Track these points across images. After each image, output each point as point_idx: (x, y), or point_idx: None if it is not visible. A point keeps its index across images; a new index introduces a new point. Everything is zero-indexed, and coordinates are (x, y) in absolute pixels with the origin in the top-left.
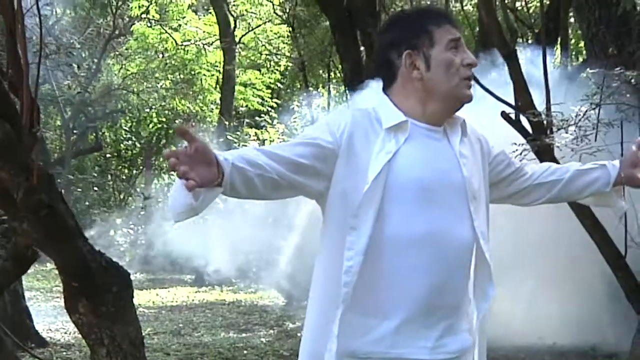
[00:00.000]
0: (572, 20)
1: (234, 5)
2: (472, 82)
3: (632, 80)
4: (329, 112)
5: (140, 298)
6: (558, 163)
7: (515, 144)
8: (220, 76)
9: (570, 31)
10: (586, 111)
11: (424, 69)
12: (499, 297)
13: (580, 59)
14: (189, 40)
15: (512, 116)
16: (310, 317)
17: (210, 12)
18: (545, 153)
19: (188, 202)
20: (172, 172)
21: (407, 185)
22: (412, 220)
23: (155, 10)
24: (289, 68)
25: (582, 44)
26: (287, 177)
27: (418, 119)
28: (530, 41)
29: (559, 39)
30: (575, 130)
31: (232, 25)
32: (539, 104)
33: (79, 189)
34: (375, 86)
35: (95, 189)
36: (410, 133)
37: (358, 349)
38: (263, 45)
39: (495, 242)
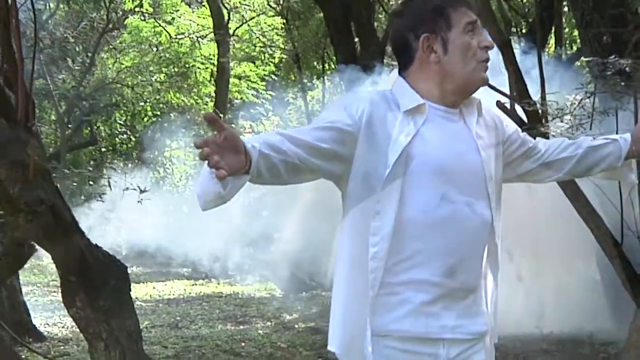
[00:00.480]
0: (566, 9)
1: None
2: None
3: (627, 69)
4: (324, 104)
5: (137, 291)
6: None
7: None
8: (215, 69)
9: (564, 20)
10: (581, 100)
11: (441, 52)
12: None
13: (575, 48)
14: (182, 33)
15: (508, 105)
16: (339, 302)
17: (203, 5)
18: None
19: (217, 191)
20: (167, 166)
21: (427, 168)
22: (431, 202)
23: (149, 3)
24: (283, 60)
25: (576, 32)
26: (308, 162)
27: (435, 101)
28: (524, 30)
29: (553, 27)
30: (570, 119)
31: (226, 18)
32: (534, 93)
33: (75, 183)
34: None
35: (91, 183)
36: (428, 115)
37: (379, 327)
38: (257, 37)
39: None
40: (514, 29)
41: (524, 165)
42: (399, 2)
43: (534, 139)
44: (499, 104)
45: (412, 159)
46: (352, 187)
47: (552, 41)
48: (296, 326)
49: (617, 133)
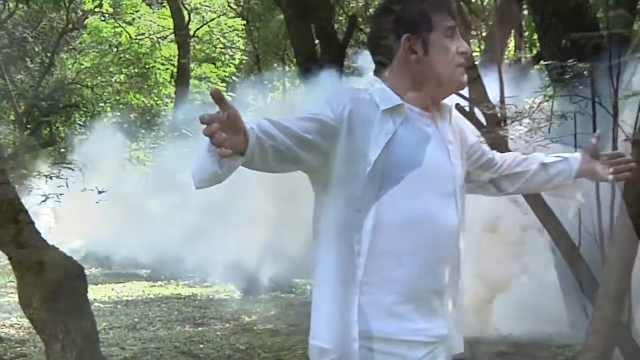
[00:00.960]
0: (525, 12)
1: None
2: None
3: (585, 72)
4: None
5: (96, 293)
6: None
7: None
8: (175, 70)
9: (524, 23)
10: (540, 103)
11: (422, 54)
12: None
13: (534, 51)
14: (143, 34)
15: (467, 108)
16: (322, 300)
17: (164, 6)
18: (499, 145)
19: (214, 170)
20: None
21: (404, 168)
22: (406, 203)
23: (109, 3)
24: (243, 61)
25: (535, 36)
26: (293, 151)
27: (411, 103)
28: (484, 34)
29: (513, 31)
30: (529, 123)
31: (187, 19)
32: (493, 96)
33: (33, 184)
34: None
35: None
36: (405, 117)
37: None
38: (217, 38)
39: None
40: (473, 32)
41: (482, 176)
42: (364, 3)
43: (492, 141)
44: (458, 107)
45: (390, 159)
46: (331, 183)
47: (511, 44)
48: (255, 328)
49: (575, 136)
